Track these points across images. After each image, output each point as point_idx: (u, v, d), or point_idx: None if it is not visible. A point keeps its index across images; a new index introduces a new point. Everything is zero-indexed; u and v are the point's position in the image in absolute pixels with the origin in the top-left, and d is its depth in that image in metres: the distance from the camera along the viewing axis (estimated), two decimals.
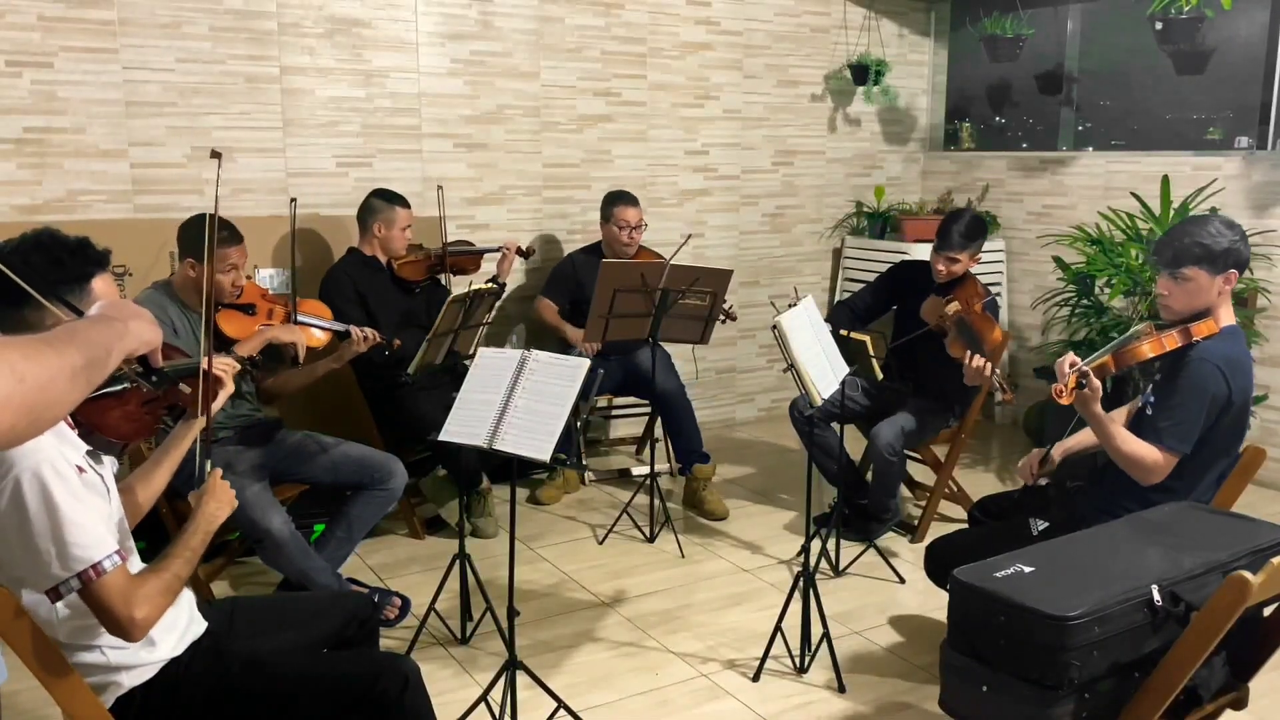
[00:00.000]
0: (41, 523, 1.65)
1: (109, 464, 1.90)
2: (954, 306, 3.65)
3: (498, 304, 4.24)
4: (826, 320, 3.23)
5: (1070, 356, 2.56)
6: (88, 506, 1.70)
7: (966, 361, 3.28)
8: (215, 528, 1.93)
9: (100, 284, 1.82)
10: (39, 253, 1.77)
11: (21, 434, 0.97)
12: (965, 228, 3.73)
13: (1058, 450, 2.84)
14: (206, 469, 2.00)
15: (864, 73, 5.58)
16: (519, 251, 4.36)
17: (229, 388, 2.17)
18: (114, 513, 1.83)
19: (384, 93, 4.44)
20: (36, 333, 1.65)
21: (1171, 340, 2.58)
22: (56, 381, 1.04)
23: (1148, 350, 2.58)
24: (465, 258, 4.20)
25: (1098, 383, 2.53)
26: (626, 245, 4.40)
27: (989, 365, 3.26)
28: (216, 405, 2.12)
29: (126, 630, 1.73)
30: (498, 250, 4.27)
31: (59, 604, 1.74)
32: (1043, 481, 2.90)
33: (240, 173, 4.16)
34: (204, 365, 2.02)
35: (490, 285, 3.67)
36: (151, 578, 1.78)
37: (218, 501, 1.95)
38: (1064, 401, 2.53)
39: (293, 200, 3.50)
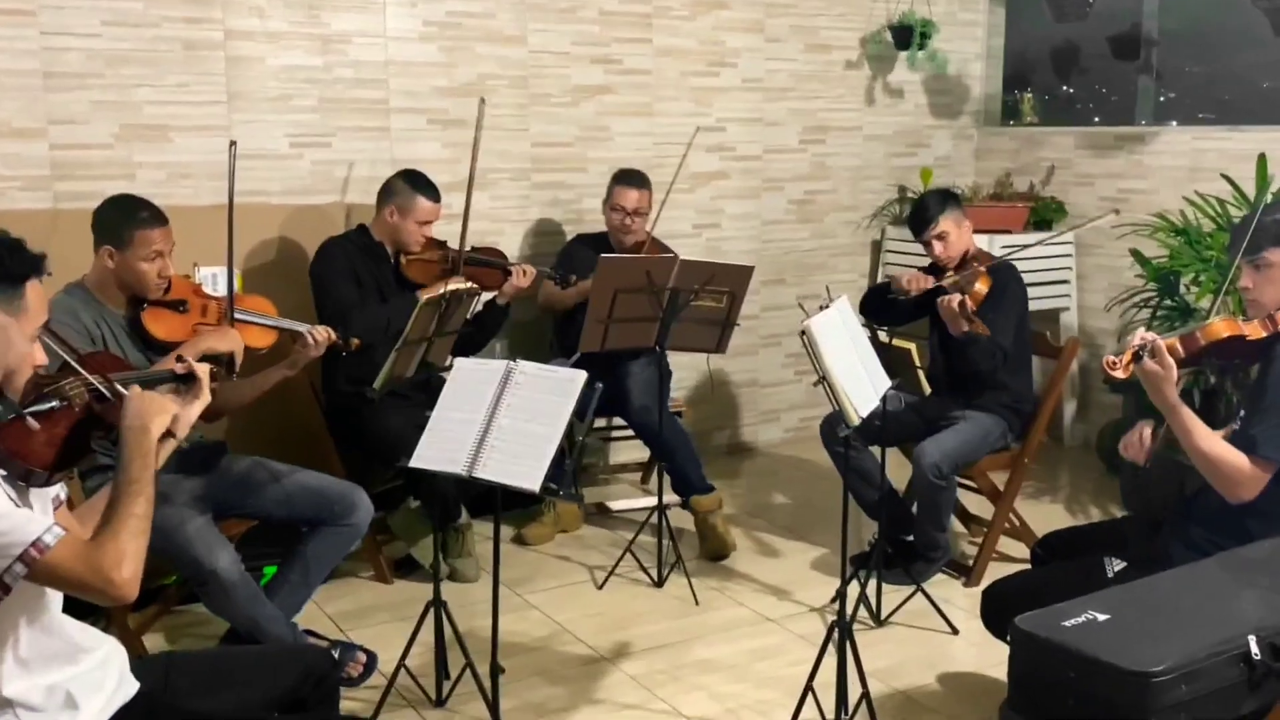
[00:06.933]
0: None
1: (43, 494, 1.92)
2: (956, 299, 3.73)
3: (504, 322, 4.22)
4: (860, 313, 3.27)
5: (1142, 331, 2.57)
6: None
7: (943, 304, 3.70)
8: (153, 445, 1.93)
9: (33, 291, 1.88)
10: None
11: None
12: (930, 200, 4.03)
13: (1165, 435, 2.81)
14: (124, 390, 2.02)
15: (907, 35, 5.59)
16: (557, 280, 4.28)
17: (205, 396, 2.19)
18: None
19: (345, 61, 4.46)
20: None
21: (1254, 329, 2.58)
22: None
23: (1221, 329, 2.58)
24: (484, 270, 4.11)
25: (1170, 360, 2.52)
26: (622, 232, 4.44)
27: (956, 298, 3.67)
28: (194, 415, 2.15)
29: (113, 595, 1.79)
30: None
31: None
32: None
33: (177, 155, 4.18)
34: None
35: (470, 285, 3.68)
36: (109, 534, 1.81)
37: (145, 409, 1.96)
38: (1117, 375, 2.54)
39: (232, 143, 3.51)
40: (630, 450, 5.26)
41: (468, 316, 3.85)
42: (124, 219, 3.10)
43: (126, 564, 1.78)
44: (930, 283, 3.93)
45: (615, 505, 4.76)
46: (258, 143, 4.28)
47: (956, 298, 3.66)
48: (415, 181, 4.01)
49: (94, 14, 3.99)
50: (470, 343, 4.02)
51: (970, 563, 4.06)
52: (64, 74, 3.98)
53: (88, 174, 4.04)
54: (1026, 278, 4.08)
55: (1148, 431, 2.80)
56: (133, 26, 4.06)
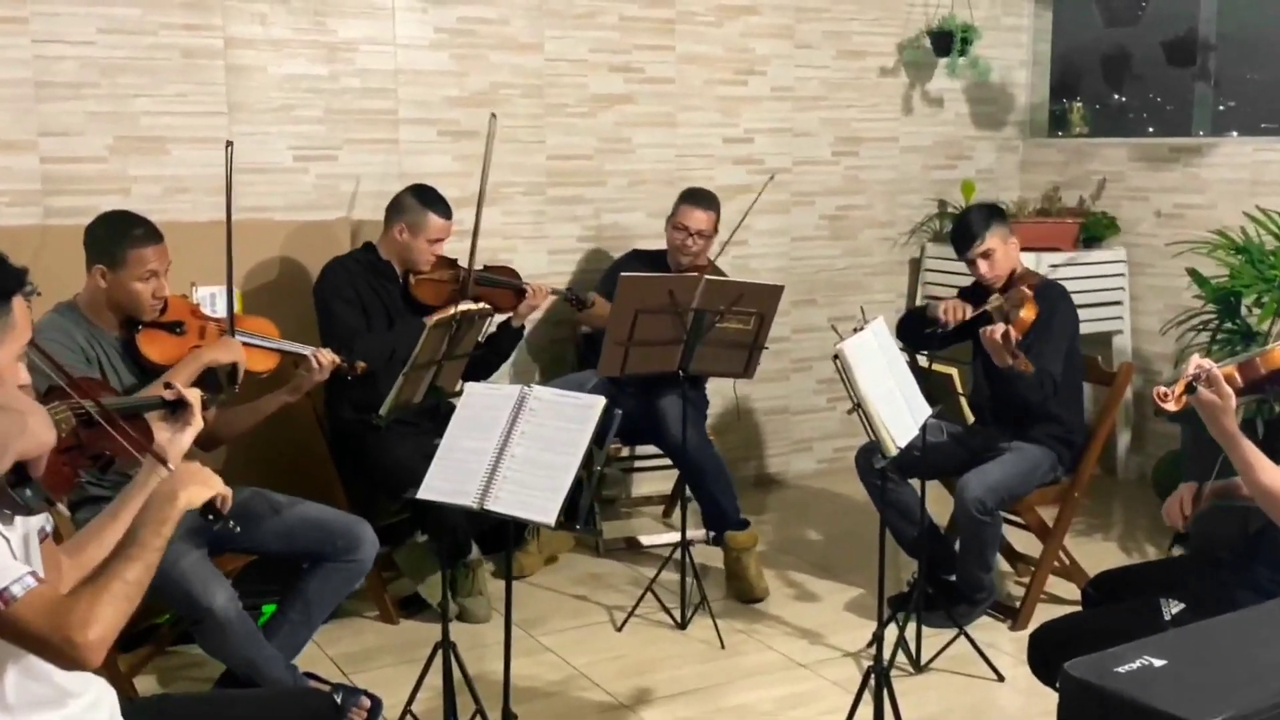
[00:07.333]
0: None
1: (28, 523, 1.93)
2: (999, 330, 3.68)
3: (518, 344, 4.25)
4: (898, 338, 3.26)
5: (1197, 358, 2.55)
6: None
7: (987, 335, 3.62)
8: (173, 516, 1.93)
9: (20, 308, 1.89)
10: None
11: None
12: (975, 216, 4.02)
13: (1211, 490, 2.80)
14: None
15: (947, 41, 5.60)
16: (571, 300, 4.33)
17: (198, 423, 2.20)
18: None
19: (352, 70, 4.50)
20: None
21: None
22: None
23: None
24: (497, 290, 4.14)
25: (1228, 389, 2.50)
26: (681, 252, 4.49)
27: (1000, 329, 3.59)
28: (186, 443, 2.16)
29: (72, 658, 1.75)
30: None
31: None
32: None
33: (175, 168, 4.22)
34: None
35: (482, 306, 3.69)
36: (89, 590, 1.80)
37: (181, 477, 1.98)
38: (1169, 407, 2.52)
39: (228, 144, 3.52)
40: (653, 482, 5.26)
41: (480, 339, 3.86)
42: (117, 237, 3.13)
43: (94, 627, 1.74)
44: (969, 312, 3.91)
45: (645, 540, 4.76)
46: (260, 156, 4.31)
47: (1000, 328, 3.61)
48: (426, 197, 4.02)
49: (89, 21, 4.04)
50: (482, 366, 4.04)
51: (1017, 604, 4.03)
52: (57, 84, 4.02)
53: (81, 188, 4.08)
54: (1076, 299, 4.06)
55: (1188, 497, 2.79)
56: (129, 34, 4.11)
